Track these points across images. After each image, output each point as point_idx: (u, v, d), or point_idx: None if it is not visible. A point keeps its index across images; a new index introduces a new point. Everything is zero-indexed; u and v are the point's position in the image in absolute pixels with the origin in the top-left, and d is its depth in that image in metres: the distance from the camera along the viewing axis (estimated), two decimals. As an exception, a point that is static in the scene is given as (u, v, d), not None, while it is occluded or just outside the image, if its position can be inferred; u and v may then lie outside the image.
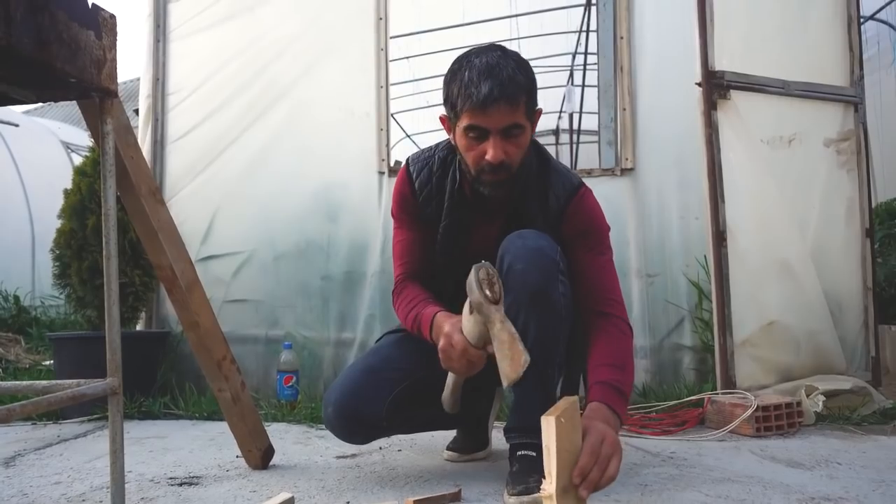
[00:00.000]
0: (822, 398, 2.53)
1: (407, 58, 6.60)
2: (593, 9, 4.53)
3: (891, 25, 5.78)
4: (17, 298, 5.84)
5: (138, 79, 3.65)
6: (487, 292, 1.40)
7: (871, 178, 3.13)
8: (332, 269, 3.36)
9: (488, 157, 1.58)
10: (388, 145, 3.40)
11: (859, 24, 3.13)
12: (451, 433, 2.16)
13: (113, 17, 1.38)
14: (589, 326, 1.69)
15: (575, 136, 7.35)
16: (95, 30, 1.31)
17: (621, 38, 3.29)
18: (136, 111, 3.72)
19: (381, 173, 3.36)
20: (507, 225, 1.73)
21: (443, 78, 1.67)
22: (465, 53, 1.65)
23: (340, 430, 1.80)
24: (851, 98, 3.06)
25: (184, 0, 3.54)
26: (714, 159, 2.73)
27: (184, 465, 2.06)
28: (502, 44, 1.72)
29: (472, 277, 1.42)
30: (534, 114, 1.64)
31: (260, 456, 1.98)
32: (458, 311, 1.64)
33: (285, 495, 1.50)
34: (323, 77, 3.43)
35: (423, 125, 8.66)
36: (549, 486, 1.24)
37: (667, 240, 3.20)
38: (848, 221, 3.04)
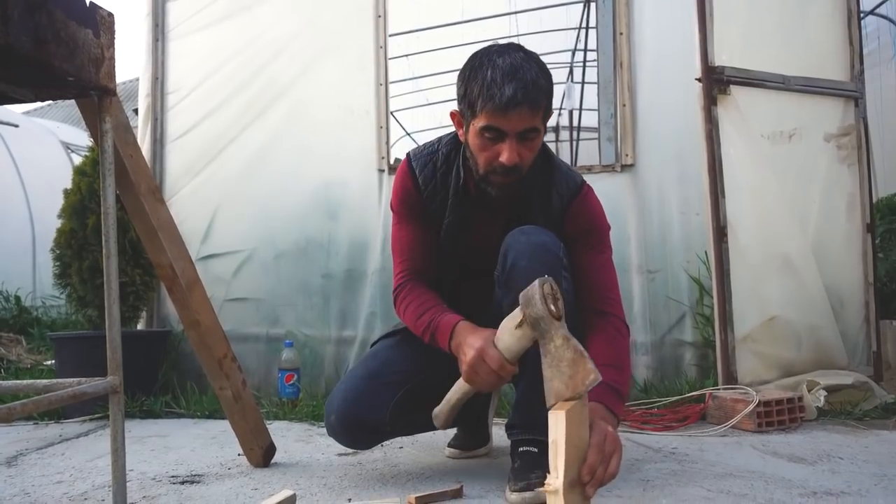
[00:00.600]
0: (823, 393, 2.53)
1: (406, 56, 6.58)
2: (593, 5, 4.52)
3: (891, 20, 5.77)
4: (18, 299, 5.84)
5: (137, 79, 3.66)
6: (552, 307, 1.32)
7: (872, 173, 3.12)
8: (333, 267, 3.36)
9: (503, 159, 1.56)
10: (387, 143, 3.40)
11: (859, 19, 3.13)
12: (452, 430, 2.16)
13: (111, 15, 1.38)
14: (587, 325, 1.68)
15: (575, 133, 7.35)
16: (93, 28, 1.31)
17: (621, 34, 3.28)
18: (136, 111, 3.72)
19: (381, 171, 3.36)
20: (509, 223, 1.72)
21: (458, 73, 1.63)
22: (485, 50, 1.62)
23: (344, 437, 1.80)
24: (852, 93, 3.06)
25: (182, -1, 3.55)
26: (714, 155, 2.72)
27: (185, 463, 2.06)
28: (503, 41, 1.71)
29: (534, 291, 1.34)
30: (548, 117, 1.63)
31: (261, 454, 1.99)
32: (459, 304, 1.63)
33: (287, 493, 1.50)
34: (322, 75, 3.43)
35: (422, 123, 8.64)
36: (556, 480, 1.21)
37: (667, 236, 3.20)
38: (849, 216, 3.04)
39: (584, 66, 6.66)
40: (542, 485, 1.25)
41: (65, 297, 3.27)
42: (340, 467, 1.97)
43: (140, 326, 3.38)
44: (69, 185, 3.18)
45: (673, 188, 3.20)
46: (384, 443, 2.24)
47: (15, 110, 9.09)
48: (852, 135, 3.05)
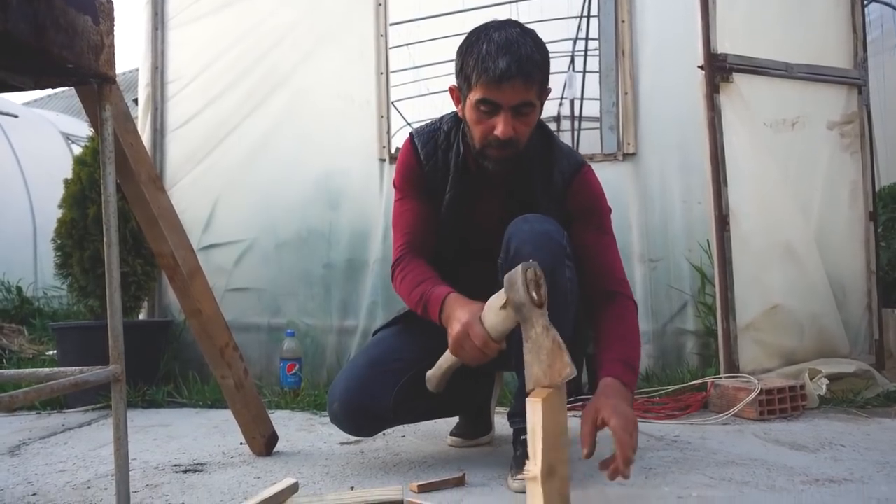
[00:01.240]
0: (825, 381, 2.52)
1: (407, 45, 6.56)
2: (594, -7, 4.50)
3: (894, 7, 5.73)
4: (19, 289, 5.85)
5: (137, 70, 3.64)
6: (534, 294, 1.32)
7: (875, 161, 3.11)
8: (334, 256, 3.36)
9: (497, 132, 1.57)
10: (388, 132, 3.39)
11: (863, 6, 3.12)
12: (455, 419, 2.16)
13: (110, 2, 1.37)
14: (597, 305, 1.70)
15: (576, 123, 7.33)
16: (93, 15, 1.30)
17: (623, 21, 3.26)
18: (136, 101, 3.70)
19: (382, 160, 3.35)
20: (510, 200, 1.73)
21: (457, 49, 1.64)
22: (483, 26, 1.63)
23: (348, 425, 1.80)
24: (855, 80, 3.04)
25: (181, -13, 3.53)
26: (717, 143, 2.71)
27: (188, 452, 2.06)
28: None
29: (517, 276, 1.34)
30: (544, 93, 1.63)
31: (264, 443, 1.99)
32: (459, 288, 1.63)
33: (289, 481, 1.50)
34: (322, 64, 3.42)
35: (423, 113, 8.61)
36: (535, 468, 1.22)
37: (669, 224, 3.19)
38: (851, 204, 3.03)
39: (586, 56, 6.63)
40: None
41: (66, 287, 3.27)
42: (342, 456, 1.97)
43: (141, 317, 3.38)
44: (69, 176, 3.17)
45: (675, 177, 3.20)
46: (386, 431, 2.24)
47: (15, 101, 9.07)
48: (855, 122, 3.03)
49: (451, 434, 2.14)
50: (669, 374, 2.95)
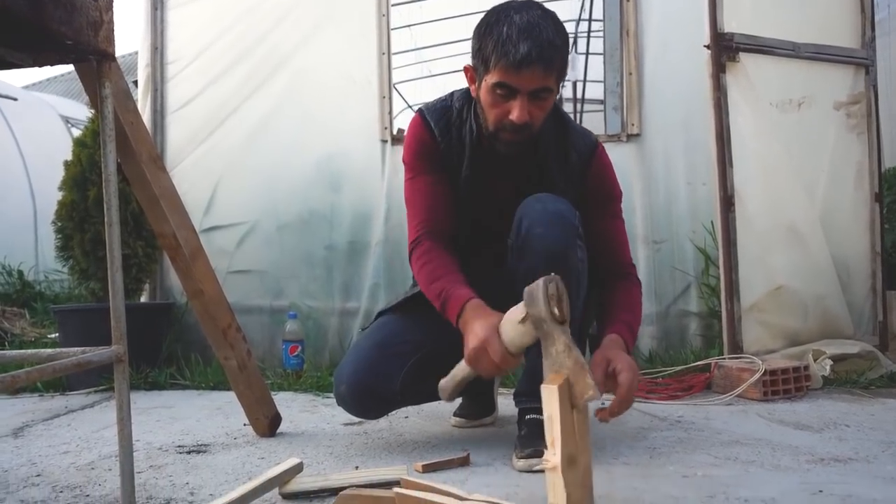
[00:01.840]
0: (829, 362, 2.52)
1: (409, 26, 6.49)
2: (598, -28, 4.45)
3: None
4: (20, 273, 5.85)
5: (136, 52, 3.61)
6: (555, 310, 1.25)
7: (881, 143, 3.08)
8: (336, 238, 3.34)
9: (513, 116, 1.54)
10: (390, 113, 3.36)
11: (871, -15, 3.07)
12: (459, 400, 2.16)
13: (109, -23, 1.34)
14: (608, 285, 1.74)
15: (579, 105, 7.27)
16: (91, -10, 1.27)
17: (628, 0, 3.22)
18: (136, 83, 3.67)
19: (385, 142, 3.32)
20: (525, 181, 1.71)
21: (475, 28, 1.60)
22: (503, 5, 1.58)
23: (355, 407, 1.79)
24: (862, 60, 3.01)
25: (181, -34, 3.48)
26: (722, 123, 2.69)
27: (191, 433, 2.06)
28: None
29: (538, 290, 1.26)
30: (562, 78, 1.60)
31: (267, 424, 1.99)
32: (468, 270, 1.61)
33: (294, 461, 1.49)
34: (323, 44, 3.38)
35: (425, 95, 8.53)
36: (554, 456, 1.17)
37: (673, 206, 3.18)
38: (857, 185, 3.01)
39: (589, 37, 6.56)
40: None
41: (67, 269, 3.26)
42: (346, 436, 1.97)
43: (143, 299, 3.37)
44: (69, 158, 3.15)
45: (679, 158, 3.17)
46: (389, 412, 2.24)
47: (14, 84, 9.03)
48: (862, 103, 3.01)
49: (455, 414, 2.13)
50: (673, 356, 2.95)
